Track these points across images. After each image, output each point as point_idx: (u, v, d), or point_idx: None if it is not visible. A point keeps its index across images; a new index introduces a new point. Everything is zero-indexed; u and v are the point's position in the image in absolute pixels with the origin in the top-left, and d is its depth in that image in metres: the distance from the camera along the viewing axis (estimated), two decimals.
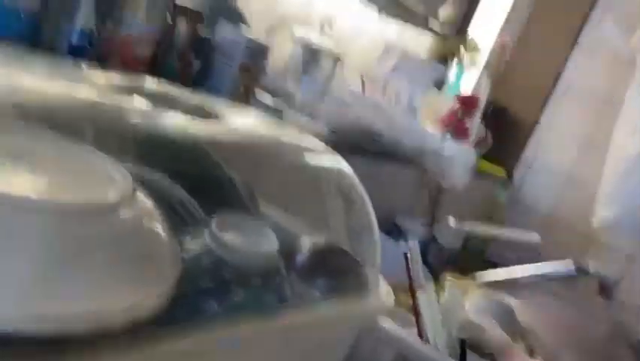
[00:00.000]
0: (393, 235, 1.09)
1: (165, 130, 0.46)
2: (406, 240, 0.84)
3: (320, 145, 0.65)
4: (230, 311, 0.44)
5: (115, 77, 0.52)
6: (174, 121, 0.47)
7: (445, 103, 1.42)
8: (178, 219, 0.50)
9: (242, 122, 0.56)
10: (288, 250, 0.52)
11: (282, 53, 1.17)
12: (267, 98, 1.08)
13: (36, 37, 0.66)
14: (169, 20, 0.82)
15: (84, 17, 0.71)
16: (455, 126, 1.36)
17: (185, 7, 0.84)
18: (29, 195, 0.33)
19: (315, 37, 1.22)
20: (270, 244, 0.49)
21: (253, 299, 0.46)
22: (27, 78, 0.43)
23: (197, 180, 0.54)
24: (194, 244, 0.48)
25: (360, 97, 1.19)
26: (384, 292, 0.57)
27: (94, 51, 0.72)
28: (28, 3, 0.64)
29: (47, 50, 0.67)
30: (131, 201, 0.38)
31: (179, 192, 0.52)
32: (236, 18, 1.02)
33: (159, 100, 0.49)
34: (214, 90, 0.89)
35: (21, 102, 0.37)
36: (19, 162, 0.36)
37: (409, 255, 0.69)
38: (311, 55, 1.18)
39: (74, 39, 0.70)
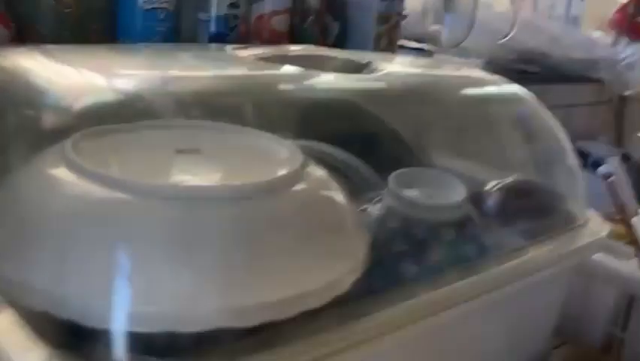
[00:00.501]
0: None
1: (320, 92, 0.43)
2: (598, 165, 0.74)
3: (487, 76, 0.59)
4: (431, 271, 0.40)
5: (259, 51, 0.50)
6: (327, 81, 0.44)
7: (609, 3, 1.25)
8: (352, 185, 0.47)
9: (397, 68, 0.52)
10: (478, 196, 0.47)
11: None
12: (411, 44, 1.02)
13: (176, 34, 0.67)
14: None
15: (217, 5, 0.70)
16: (627, 26, 1.20)
17: None
18: (205, 184, 0.31)
19: None
20: (457, 192, 0.44)
21: (451, 254, 0.41)
22: (178, 69, 0.41)
23: (361, 140, 0.51)
24: (375, 208, 0.45)
25: (512, 19, 1.08)
26: (596, 225, 0.50)
27: (233, 36, 0.71)
28: (164, 4, 0.64)
29: (188, 42, 0.67)
30: (304, 174, 0.35)
31: (347, 157, 0.49)
32: None
33: (307, 63, 0.46)
34: (356, 47, 0.85)
35: (177, 92, 0.36)
36: (186, 155, 0.35)
37: (612, 179, 0.60)
38: None
39: (212, 28, 0.70)
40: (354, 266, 0.34)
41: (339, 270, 0.32)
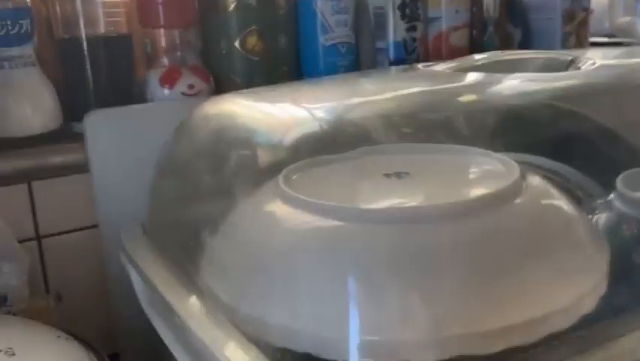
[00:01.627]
0: None
1: (533, 95, 0.40)
2: None
3: None
4: None
5: (448, 65, 0.48)
6: (538, 82, 0.40)
7: None
8: (571, 195, 0.43)
9: (606, 61, 0.47)
10: None
11: None
12: (602, 40, 0.94)
13: (357, 66, 0.67)
14: None
15: (393, 31, 0.70)
16: None
17: None
18: (428, 204, 0.30)
19: None
20: None
21: None
22: (377, 92, 0.41)
23: (573, 145, 0.46)
24: (603, 216, 0.40)
25: None
26: None
27: (412, 59, 0.70)
28: (344, 39, 0.67)
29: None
30: (525, 186, 0.32)
31: (560, 166, 0.45)
32: None
33: (507, 68, 0.43)
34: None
35: (385, 113, 0.35)
36: (396, 178, 0.33)
37: None
38: None
39: (391, 54, 0.70)
40: (597, 282, 0.30)
41: (583, 287, 0.29)
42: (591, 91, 0.42)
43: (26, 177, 0.53)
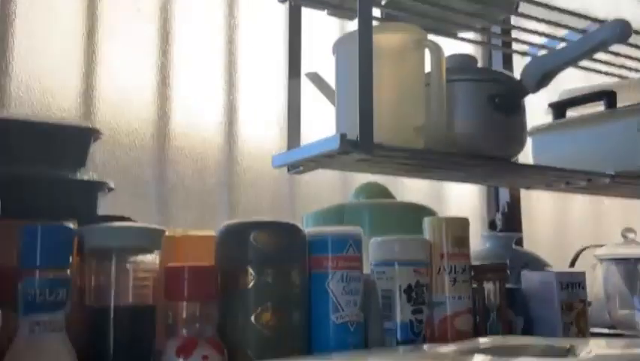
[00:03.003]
0: None
1: None
2: None
3: None
4: None
5: (453, 347, 0.51)
6: None
7: None
8: None
9: (603, 350, 0.49)
10: None
11: (597, 278, 1.08)
12: (602, 331, 0.96)
13: (365, 344, 0.70)
14: (473, 285, 0.81)
15: (401, 313, 0.75)
16: None
17: (486, 266, 0.84)
18: None
19: (624, 251, 1.12)
20: None
21: None
22: None
23: None
24: None
25: None
26: None
27: (419, 340, 0.73)
28: (354, 318, 0.70)
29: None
30: None
31: None
32: (539, 264, 0.98)
33: (507, 353, 0.45)
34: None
35: None
36: None
37: None
38: (630, 270, 1.07)
39: (399, 334, 0.73)
40: None
41: None
42: None
43: None
